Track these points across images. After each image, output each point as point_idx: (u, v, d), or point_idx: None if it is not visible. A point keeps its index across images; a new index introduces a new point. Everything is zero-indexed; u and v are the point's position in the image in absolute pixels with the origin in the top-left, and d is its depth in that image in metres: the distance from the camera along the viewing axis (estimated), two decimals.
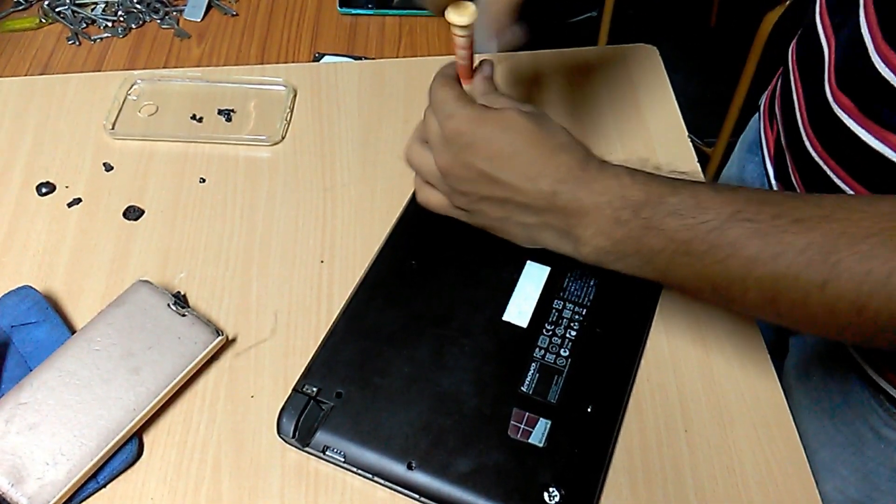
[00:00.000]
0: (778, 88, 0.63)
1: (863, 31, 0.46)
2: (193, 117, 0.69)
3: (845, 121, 0.48)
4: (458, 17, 0.48)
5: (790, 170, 0.58)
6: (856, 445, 0.59)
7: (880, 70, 0.44)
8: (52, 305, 0.55)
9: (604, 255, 0.44)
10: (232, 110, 0.70)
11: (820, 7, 0.54)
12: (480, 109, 0.46)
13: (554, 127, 0.46)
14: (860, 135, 0.47)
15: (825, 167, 0.52)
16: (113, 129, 0.68)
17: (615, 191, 0.42)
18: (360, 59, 0.80)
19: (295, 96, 0.71)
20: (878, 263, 0.35)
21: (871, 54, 0.45)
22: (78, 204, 0.63)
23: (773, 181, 0.62)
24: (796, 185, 0.57)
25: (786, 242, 0.38)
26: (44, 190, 0.64)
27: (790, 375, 0.65)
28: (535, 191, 0.44)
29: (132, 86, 0.72)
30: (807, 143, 0.54)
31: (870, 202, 0.38)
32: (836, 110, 0.49)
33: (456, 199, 0.48)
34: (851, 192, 0.50)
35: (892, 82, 0.44)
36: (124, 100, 0.71)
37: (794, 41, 0.60)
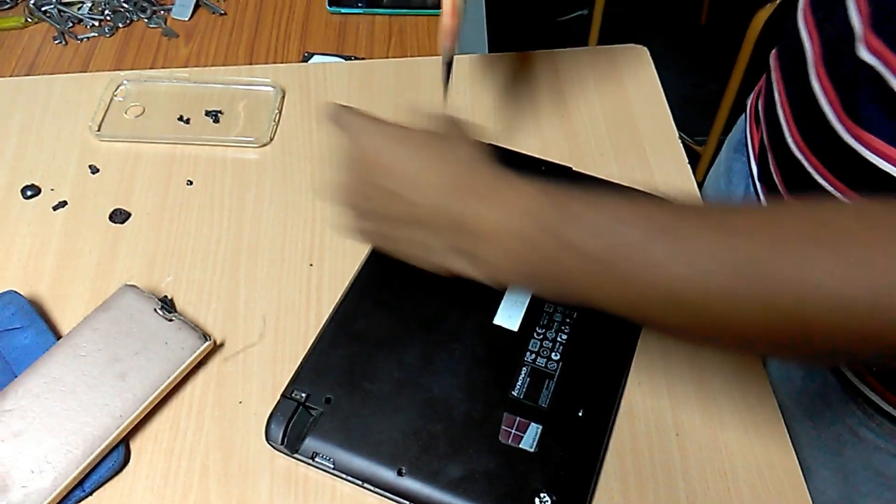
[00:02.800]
0: (762, 90, 0.64)
1: (852, 21, 0.46)
2: (181, 118, 0.69)
3: (829, 116, 0.48)
4: None
5: (772, 170, 0.58)
6: (835, 446, 0.60)
7: (865, 58, 0.44)
8: (38, 310, 0.54)
9: (518, 278, 0.42)
10: (219, 111, 0.69)
11: (804, 5, 0.54)
12: (385, 126, 0.45)
13: (461, 143, 0.45)
14: (839, 131, 0.47)
15: (808, 166, 0.51)
16: (99, 130, 0.67)
17: (523, 206, 0.40)
18: (349, 58, 0.80)
19: (283, 97, 0.71)
20: (815, 268, 0.33)
21: (856, 43, 0.45)
22: (63, 207, 0.62)
23: (757, 182, 0.63)
24: (778, 185, 0.57)
25: (717, 259, 0.35)
26: (29, 193, 0.63)
27: (772, 376, 0.65)
28: (428, 204, 0.42)
29: (118, 87, 0.71)
30: (790, 142, 0.54)
31: (807, 206, 0.36)
32: (822, 105, 0.48)
33: (365, 224, 0.47)
34: (832, 190, 0.49)
35: (877, 68, 0.43)
36: (110, 101, 0.70)
37: (776, 48, 0.61)
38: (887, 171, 0.44)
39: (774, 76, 0.58)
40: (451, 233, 0.43)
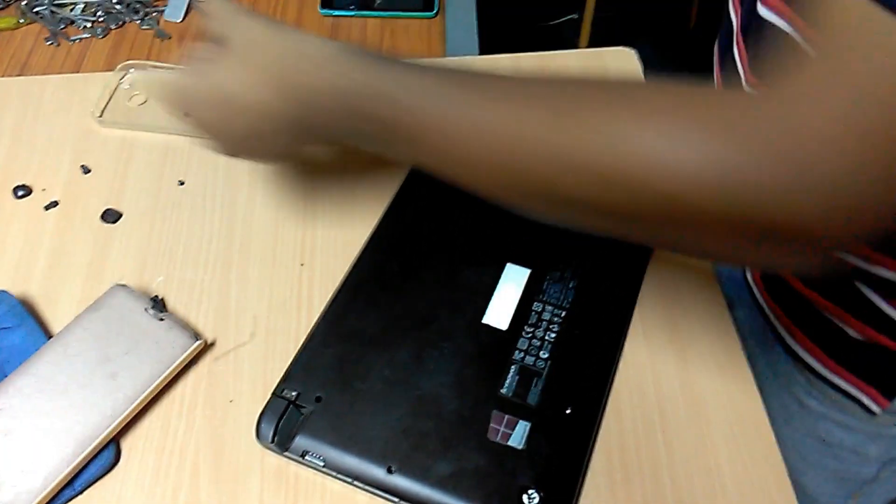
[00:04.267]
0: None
1: None
2: None
3: (741, 77, 0.55)
4: None
5: None
6: (784, 417, 0.62)
7: (764, 16, 0.48)
8: (28, 310, 0.54)
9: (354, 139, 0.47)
10: None
11: None
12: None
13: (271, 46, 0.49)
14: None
15: None
16: (101, 116, 0.68)
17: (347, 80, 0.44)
18: None
19: None
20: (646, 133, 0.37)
21: (758, 6, 0.49)
22: (55, 207, 0.63)
23: None
24: None
25: (544, 124, 0.39)
26: (20, 193, 0.63)
27: None
28: (269, 127, 0.47)
29: (125, 74, 0.72)
30: None
31: (620, 82, 0.41)
32: (738, 69, 0.55)
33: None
34: None
35: (775, 23, 0.48)
36: (116, 88, 0.70)
37: (718, 36, 0.66)
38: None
39: (715, 59, 0.64)
40: (296, 131, 0.47)
